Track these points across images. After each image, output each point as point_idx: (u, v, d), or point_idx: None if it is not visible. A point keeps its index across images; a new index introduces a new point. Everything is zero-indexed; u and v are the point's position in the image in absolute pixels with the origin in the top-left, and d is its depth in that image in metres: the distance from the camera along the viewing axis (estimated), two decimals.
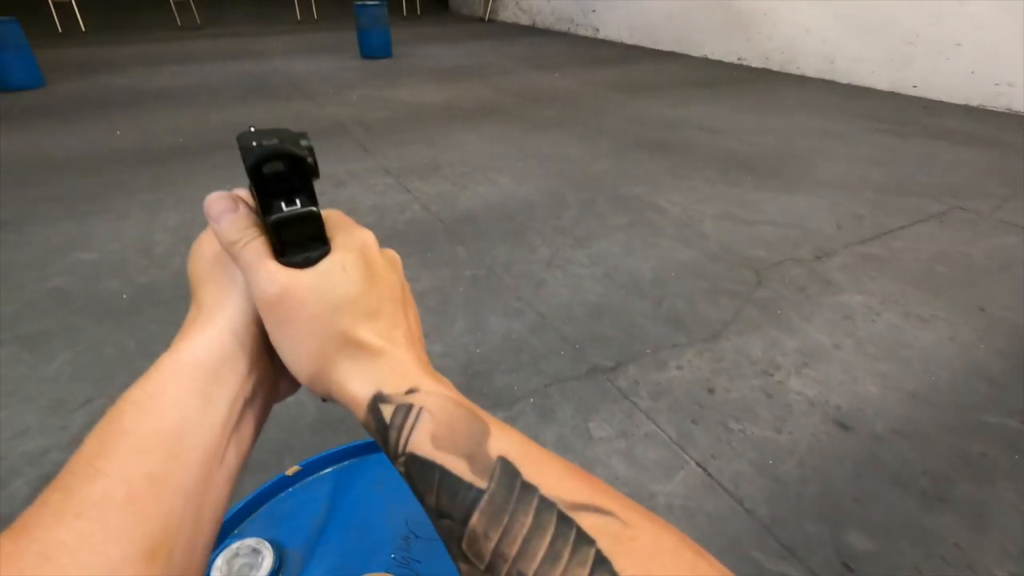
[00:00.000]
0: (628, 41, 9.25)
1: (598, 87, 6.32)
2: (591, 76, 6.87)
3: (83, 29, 10.33)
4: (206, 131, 4.70)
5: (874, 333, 2.15)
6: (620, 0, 9.16)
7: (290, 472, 0.67)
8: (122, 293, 2.41)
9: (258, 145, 0.27)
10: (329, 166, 3.92)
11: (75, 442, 1.74)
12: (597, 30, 9.87)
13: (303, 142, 0.29)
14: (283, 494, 0.66)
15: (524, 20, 11.82)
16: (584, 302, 2.35)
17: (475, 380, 1.88)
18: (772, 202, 3.32)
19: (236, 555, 0.58)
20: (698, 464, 1.58)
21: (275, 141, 0.28)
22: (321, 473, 0.69)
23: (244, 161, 0.27)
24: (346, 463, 0.71)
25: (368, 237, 0.33)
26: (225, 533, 0.61)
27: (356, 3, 7.73)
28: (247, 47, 8.93)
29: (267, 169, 0.28)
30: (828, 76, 6.51)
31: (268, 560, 0.57)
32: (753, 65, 7.33)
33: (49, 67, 6.94)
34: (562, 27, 10.75)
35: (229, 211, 0.30)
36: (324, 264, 0.29)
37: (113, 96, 5.85)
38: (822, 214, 3.18)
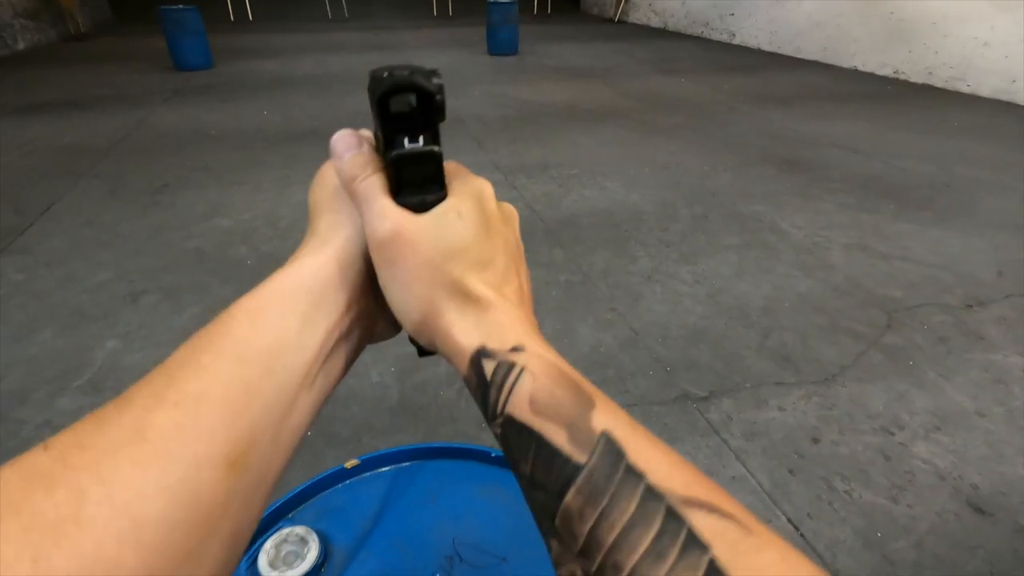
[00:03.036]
0: (767, 48, 8.64)
1: (727, 95, 5.96)
2: (721, 83, 6.50)
3: (251, 18, 11.56)
4: (339, 115, 5.05)
5: None
6: (762, 4, 8.57)
7: (349, 465, 0.67)
8: (248, 259, 2.64)
9: (389, 76, 0.26)
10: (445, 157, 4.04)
11: None
12: (733, 35, 9.32)
13: (435, 80, 0.27)
14: (340, 486, 0.66)
15: (655, 22, 11.46)
16: (682, 323, 2.20)
17: None
18: (918, 237, 2.92)
19: (285, 541, 0.58)
20: (790, 521, 1.41)
21: (406, 73, 0.27)
22: (379, 471, 0.68)
23: (371, 92, 0.27)
24: (405, 464, 0.69)
25: (486, 187, 0.32)
26: (279, 515, 0.62)
27: (489, 1, 7.91)
28: (385, 40, 9.49)
29: (395, 104, 0.27)
30: (1006, 97, 5.62)
31: (313, 553, 0.56)
32: (912, 80, 6.52)
33: (218, 51, 7.84)
34: (695, 31, 10.28)
35: (352, 148, 0.30)
36: (439, 208, 0.29)
37: (265, 79, 6.47)
38: (981, 256, 2.74)
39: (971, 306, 2.34)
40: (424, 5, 13.50)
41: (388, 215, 0.28)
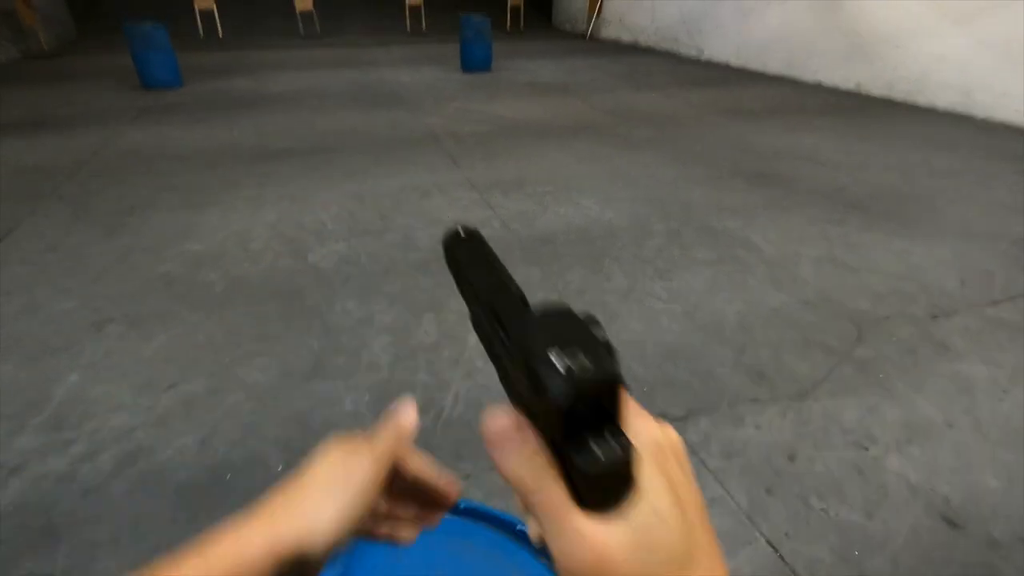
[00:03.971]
0: (734, 63, 8.86)
1: (698, 110, 6.08)
2: (691, 98, 6.63)
3: (220, 35, 11.44)
4: (312, 134, 5.00)
5: (999, 413, 1.86)
6: (727, 19, 8.80)
7: None
8: (217, 285, 2.58)
9: (567, 373, 0.20)
10: (417, 175, 4.03)
11: (158, 423, 1.89)
12: (701, 50, 9.55)
13: (600, 334, 0.22)
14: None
15: (626, 38, 11.68)
16: (658, 341, 2.22)
17: None
18: (884, 248, 3.00)
19: None
20: (769, 542, 1.42)
21: (581, 357, 0.20)
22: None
23: (536, 381, 0.20)
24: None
25: (664, 446, 0.26)
26: None
27: (461, 16, 7.97)
28: (358, 56, 9.48)
29: (579, 405, 0.20)
30: (962, 110, 5.86)
31: None
32: (873, 94, 6.76)
33: (187, 69, 7.72)
34: (665, 47, 10.50)
35: (516, 442, 0.24)
36: (638, 514, 0.23)
37: (237, 97, 6.39)
38: (944, 266, 2.82)
39: (936, 316, 2.40)
40: (397, 21, 13.54)
41: (587, 539, 0.23)
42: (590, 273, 2.72)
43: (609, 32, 12.22)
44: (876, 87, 6.71)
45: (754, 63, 8.49)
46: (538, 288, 2.58)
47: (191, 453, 1.67)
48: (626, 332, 2.27)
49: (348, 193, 3.69)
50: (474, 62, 8.15)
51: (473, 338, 2.18)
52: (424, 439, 1.72)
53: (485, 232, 3.07)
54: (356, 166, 4.23)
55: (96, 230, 3.13)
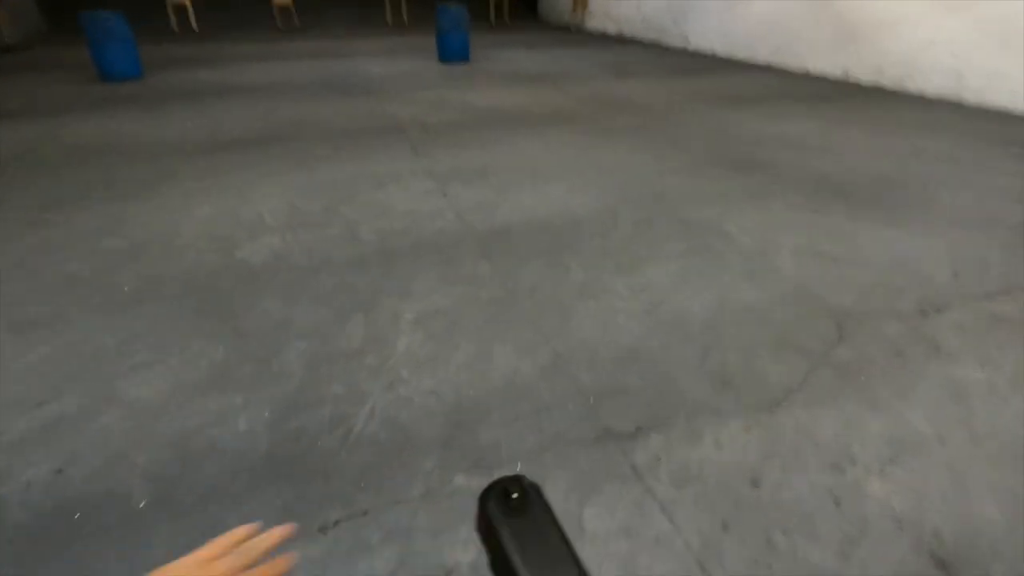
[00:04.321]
0: (720, 52, 8.60)
1: (681, 98, 5.82)
2: (674, 86, 6.37)
3: (195, 29, 11.10)
4: (270, 125, 4.71)
5: (999, 425, 1.61)
6: (713, 8, 8.54)
7: None
8: (126, 285, 2.30)
9: None
10: (374, 165, 3.75)
11: (11, 449, 1.61)
12: (688, 40, 9.28)
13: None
14: None
15: (612, 29, 11.40)
16: (613, 342, 1.95)
17: (456, 433, 1.55)
18: (870, 237, 2.75)
19: None
20: None
21: None
22: None
23: None
24: None
25: None
26: None
27: (438, 6, 7.68)
28: (336, 48, 9.17)
29: None
30: (953, 96, 5.61)
31: None
32: (862, 80, 6.51)
33: (153, 61, 7.42)
34: (652, 37, 10.23)
35: None
36: None
37: (200, 89, 6.08)
38: (935, 256, 2.57)
39: (926, 312, 2.15)
40: (378, 13, 13.22)
41: None
42: (546, 268, 2.45)
43: (595, 23, 11.94)
44: (864, 73, 6.47)
45: (741, 52, 8.23)
46: (486, 285, 2.31)
47: (41, 486, 1.39)
48: (578, 332, 2.00)
49: (295, 184, 3.41)
50: (451, 53, 7.85)
51: (403, 343, 1.92)
52: (325, 462, 1.46)
53: (436, 224, 2.80)
54: (310, 155, 3.95)
55: (11, 226, 2.85)
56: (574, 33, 11.74)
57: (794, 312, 2.13)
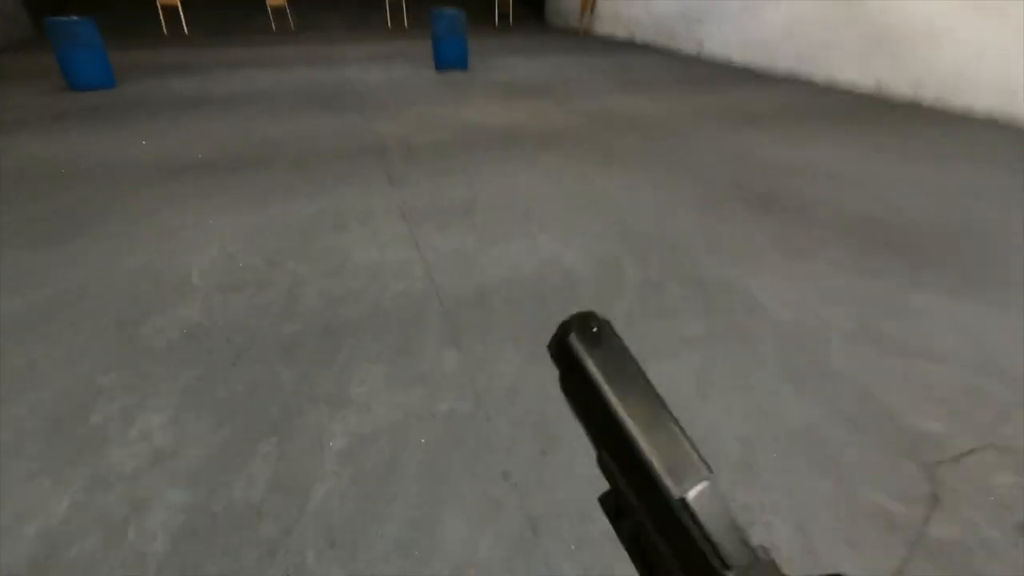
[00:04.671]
0: (737, 60, 8.01)
1: (693, 114, 5.25)
2: (686, 100, 5.80)
3: (186, 32, 10.66)
4: (239, 145, 4.21)
5: None
6: (732, 12, 7.95)
7: None
8: None
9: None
10: (341, 199, 3.23)
11: None
12: (701, 46, 8.70)
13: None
14: None
15: (621, 33, 10.83)
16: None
17: None
18: (941, 315, 2.18)
19: None
20: None
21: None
22: None
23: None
24: None
25: None
26: None
27: (433, 11, 7.15)
28: (328, 53, 8.67)
29: None
30: (1007, 115, 5.00)
31: None
32: (897, 95, 5.90)
33: (132, 68, 6.96)
34: (662, 42, 9.65)
35: None
36: None
37: (174, 102, 5.59)
38: None
39: None
40: (378, 16, 12.74)
41: None
42: (529, 360, 1.90)
43: (603, 27, 11.37)
44: (900, 87, 5.86)
45: (760, 60, 7.64)
46: (448, 388, 1.77)
47: None
48: (566, 481, 1.45)
49: (244, 226, 2.89)
50: (448, 60, 7.33)
51: (318, 496, 1.37)
52: None
53: (399, 286, 2.24)
54: (274, 186, 3.44)
55: None
56: (581, 37, 11.19)
57: (862, 445, 1.57)
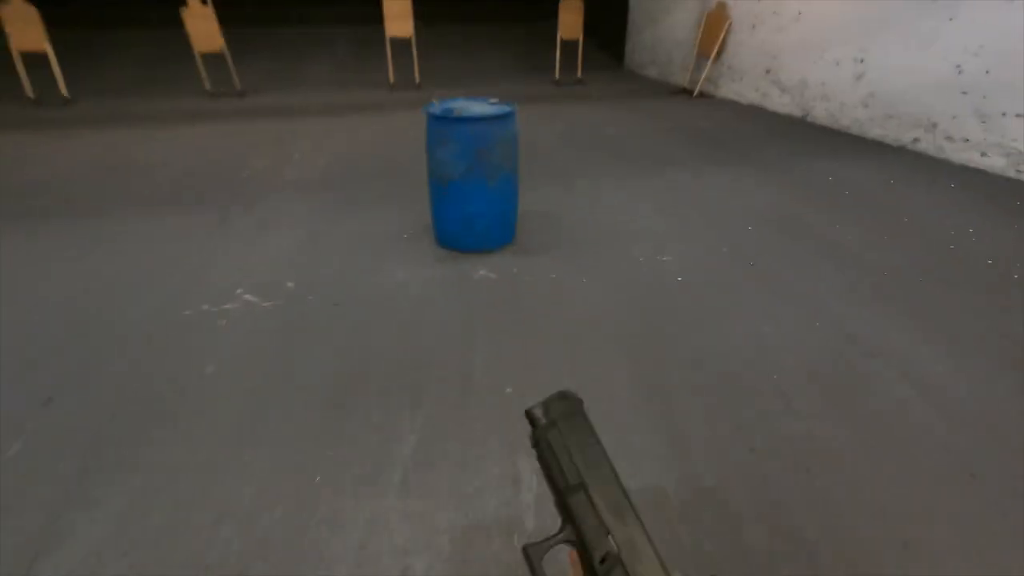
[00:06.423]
0: (1013, 174, 3.37)
1: None
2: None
3: (65, 95, 6.62)
4: None
5: None
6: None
7: None
8: None
9: None
10: None
11: None
12: (944, 140, 4.07)
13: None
14: None
15: (778, 102, 6.26)
16: None
17: None
18: None
19: None
20: None
21: None
22: None
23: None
24: None
25: None
26: None
27: (429, 115, 2.74)
28: (255, 151, 4.37)
29: None
30: None
31: None
32: None
33: None
34: (899, 137, 5.06)
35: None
36: None
37: None
38: None
39: None
40: (375, 65, 8.55)
41: None
42: None
43: (731, 87, 6.86)
44: None
45: None
46: None
47: None
48: None
49: None
50: (462, 235, 2.93)
51: None
52: None
53: None
54: None
55: None
56: (695, 101, 6.74)
57: None
